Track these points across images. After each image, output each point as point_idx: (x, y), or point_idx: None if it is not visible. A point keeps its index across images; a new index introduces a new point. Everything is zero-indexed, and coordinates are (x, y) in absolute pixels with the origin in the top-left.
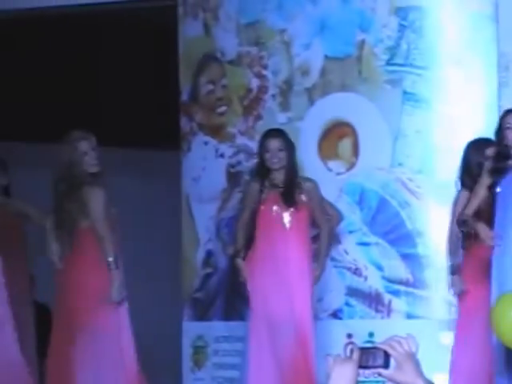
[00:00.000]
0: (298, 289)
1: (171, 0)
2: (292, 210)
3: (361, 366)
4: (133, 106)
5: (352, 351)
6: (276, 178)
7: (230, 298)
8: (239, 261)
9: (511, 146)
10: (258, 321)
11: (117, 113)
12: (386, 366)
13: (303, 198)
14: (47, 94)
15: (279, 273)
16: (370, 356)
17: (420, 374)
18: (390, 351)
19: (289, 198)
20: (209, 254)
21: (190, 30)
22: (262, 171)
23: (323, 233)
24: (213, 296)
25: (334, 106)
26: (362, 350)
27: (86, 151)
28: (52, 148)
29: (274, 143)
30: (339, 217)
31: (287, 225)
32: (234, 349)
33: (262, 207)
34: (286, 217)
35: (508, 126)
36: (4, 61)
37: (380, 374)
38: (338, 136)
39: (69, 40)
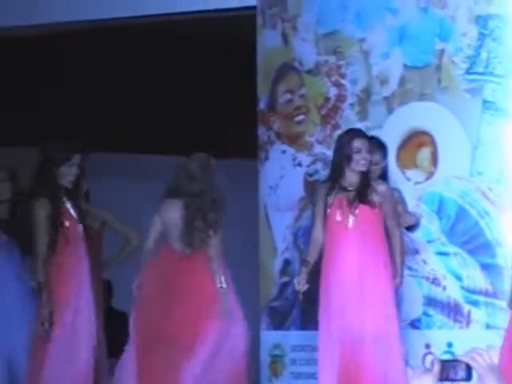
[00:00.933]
0: (380, 299)
1: (250, 10)
2: (362, 212)
3: (441, 379)
4: (211, 115)
5: (432, 363)
6: (347, 180)
7: (307, 306)
8: (303, 269)
9: None
10: (330, 332)
11: (195, 122)
12: (468, 379)
13: (376, 199)
14: (130, 107)
15: (355, 282)
16: (451, 368)
17: None
18: (472, 363)
19: (362, 199)
20: (286, 263)
21: (268, 40)
22: (336, 173)
23: (395, 240)
24: (290, 305)
25: (412, 115)
26: (443, 362)
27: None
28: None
29: (364, 143)
30: (416, 221)
31: (356, 229)
32: (311, 358)
33: (329, 211)
34: (355, 221)
35: None
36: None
37: None
38: (416, 145)
39: (149, 51)
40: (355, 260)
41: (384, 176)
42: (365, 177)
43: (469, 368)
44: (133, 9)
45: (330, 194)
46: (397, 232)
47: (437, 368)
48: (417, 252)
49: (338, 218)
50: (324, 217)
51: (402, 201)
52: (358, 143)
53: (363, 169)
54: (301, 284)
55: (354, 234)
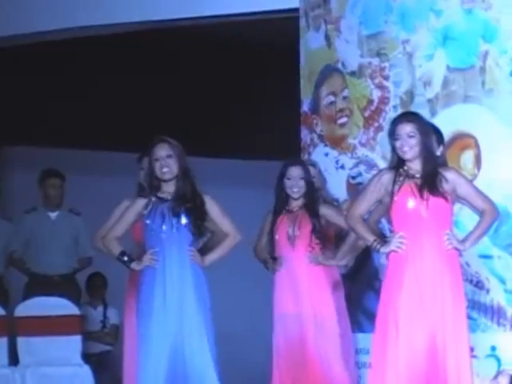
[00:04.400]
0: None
1: (293, 12)
2: (432, 201)
3: None
4: (255, 117)
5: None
6: (411, 168)
7: (349, 309)
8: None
9: None
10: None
11: (239, 124)
12: None
13: (445, 187)
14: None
15: (427, 277)
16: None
17: None
18: None
19: (431, 187)
20: None
21: (311, 42)
22: (395, 160)
23: (486, 217)
24: None
25: (456, 118)
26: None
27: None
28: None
29: (404, 128)
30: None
31: (428, 218)
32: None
33: (396, 199)
34: (426, 209)
35: None
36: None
37: None
38: (460, 148)
39: (193, 52)
40: (434, 251)
41: (445, 163)
42: (426, 163)
43: None
44: (178, 11)
45: (396, 182)
46: (489, 207)
47: (505, 381)
48: (460, 254)
49: (408, 206)
50: (390, 206)
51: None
52: (397, 130)
53: (407, 156)
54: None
55: (428, 223)
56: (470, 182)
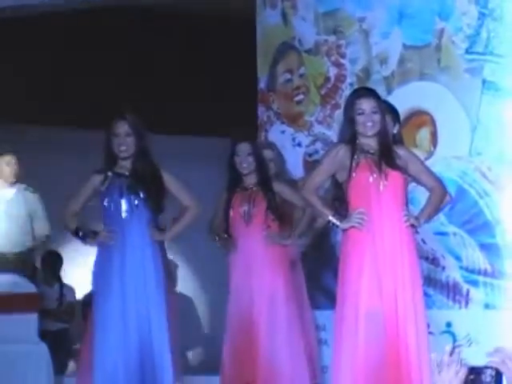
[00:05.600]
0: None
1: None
2: (390, 176)
3: None
4: (210, 95)
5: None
6: (367, 144)
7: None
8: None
9: None
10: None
11: (195, 101)
12: (498, 381)
13: (399, 163)
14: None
15: (385, 250)
16: (480, 374)
17: None
18: (503, 369)
19: (388, 162)
20: None
21: (268, 20)
22: (351, 136)
23: (435, 195)
24: None
25: (412, 95)
26: (471, 369)
27: None
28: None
29: (370, 103)
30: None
31: (386, 194)
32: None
33: (354, 174)
34: (383, 185)
35: None
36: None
37: None
38: (416, 125)
39: (148, 29)
40: (393, 227)
41: (401, 141)
42: (383, 140)
43: (498, 373)
44: None
45: (353, 157)
46: (436, 184)
47: (463, 374)
48: (416, 232)
49: (369, 181)
50: (348, 181)
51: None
52: (360, 104)
53: (369, 132)
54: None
55: (387, 199)
56: (420, 159)
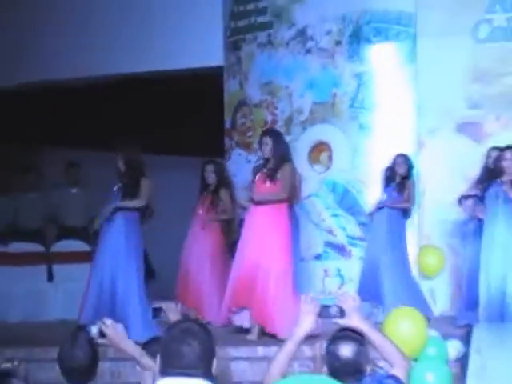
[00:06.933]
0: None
1: (220, 69)
2: (270, 184)
3: (321, 316)
4: (193, 132)
5: (315, 306)
6: (268, 164)
7: None
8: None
9: None
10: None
11: (184, 137)
12: (342, 315)
13: (279, 175)
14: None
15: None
16: (328, 308)
17: (364, 319)
18: (344, 305)
19: (271, 175)
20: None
21: (231, 86)
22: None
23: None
24: None
25: (318, 133)
26: (324, 306)
27: None
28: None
29: (265, 139)
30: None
31: (266, 195)
32: None
33: (256, 180)
34: (267, 188)
35: None
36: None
37: (336, 323)
38: (320, 150)
39: (151, 92)
40: (260, 209)
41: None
42: (271, 160)
43: (342, 309)
44: (132, 66)
45: (257, 172)
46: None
47: (317, 309)
48: (320, 214)
49: (256, 186)
50: (252, 184)
51: (299, 181)
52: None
53: (264, 155)
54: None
55: (263, 197)
56: (295, 177)
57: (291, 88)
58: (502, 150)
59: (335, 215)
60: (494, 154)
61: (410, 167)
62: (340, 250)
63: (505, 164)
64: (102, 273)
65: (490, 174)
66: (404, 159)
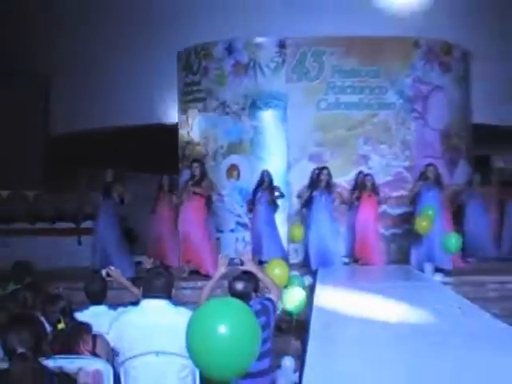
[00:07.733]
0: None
1: (174, 125)
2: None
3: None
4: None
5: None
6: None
7: None
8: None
9: None
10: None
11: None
12: (241, 264)
13: (203, 185)
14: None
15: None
16: (234, 260)
17: (254, 265)
18: (243, 258)
19: (197, 185)
20: None
21: (182, 136)
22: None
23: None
24: None
25: (231, 160)
26: (231, 259)
27: None
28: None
29: (195, 166)
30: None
31: (191, 196)
32: None
33: (191, 189)
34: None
35: None
36: None
37: (238, 268)
38: (233, 170)
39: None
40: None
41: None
42: (196, 176)
43: (241, 260)
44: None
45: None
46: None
47: (227, 260)
48: (233, 205)
49: (189, 192)
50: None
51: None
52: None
53: (194, 173)
54: None
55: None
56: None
57: (216, 133)
58: (319, 169)
59: (241, 206)
60: (316, 171)
61: (270, 180)
62: (243, 226)
63: (322, 177)
64: (99, 240)
65: (313, 184)
66: (267, 173)
